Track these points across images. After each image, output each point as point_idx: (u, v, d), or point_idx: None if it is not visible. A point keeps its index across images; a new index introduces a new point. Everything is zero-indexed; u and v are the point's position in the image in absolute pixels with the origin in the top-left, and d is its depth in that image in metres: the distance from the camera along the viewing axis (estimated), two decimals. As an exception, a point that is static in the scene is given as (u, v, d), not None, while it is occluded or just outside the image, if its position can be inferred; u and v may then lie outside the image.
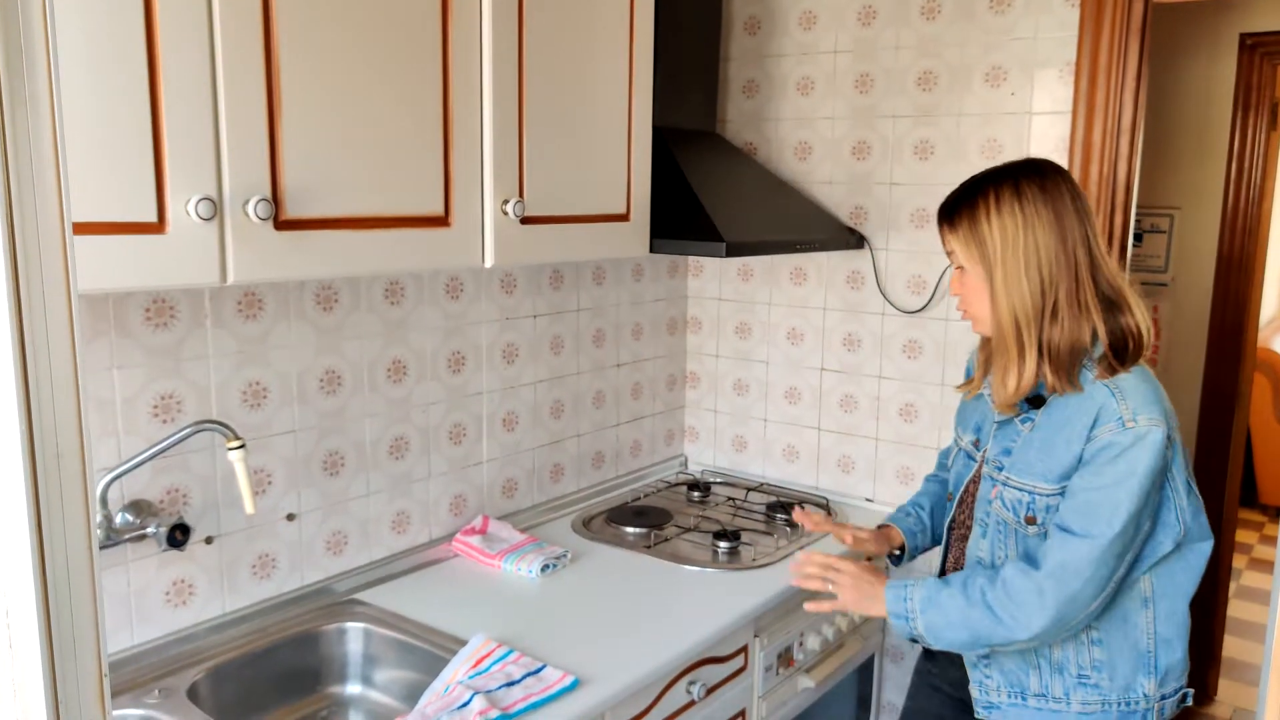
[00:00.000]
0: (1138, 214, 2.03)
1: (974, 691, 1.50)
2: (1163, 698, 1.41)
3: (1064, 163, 1.96)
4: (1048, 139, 1.98)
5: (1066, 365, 1.37)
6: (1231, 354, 3.04)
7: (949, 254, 1.46)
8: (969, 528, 1.53)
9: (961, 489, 1.56)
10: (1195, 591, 1.42)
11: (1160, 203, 3.07)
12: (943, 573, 1.59)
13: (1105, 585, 1.33)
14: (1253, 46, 2.89)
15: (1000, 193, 1.38)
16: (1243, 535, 4.46)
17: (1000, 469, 1.45)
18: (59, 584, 0.49)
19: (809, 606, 1.55)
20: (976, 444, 1.55)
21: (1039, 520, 1.40)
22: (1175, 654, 1.41)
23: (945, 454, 1.76)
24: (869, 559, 1.81)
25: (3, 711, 0.50)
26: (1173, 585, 1.40)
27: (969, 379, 1.62)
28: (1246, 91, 2.91)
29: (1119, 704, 1.40)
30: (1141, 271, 3.11)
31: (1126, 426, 1.32)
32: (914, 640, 1.43)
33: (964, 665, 1.52)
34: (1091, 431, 1.34)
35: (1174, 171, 3.04)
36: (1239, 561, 4.30)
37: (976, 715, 1.50)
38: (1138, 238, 3.10)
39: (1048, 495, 1.39)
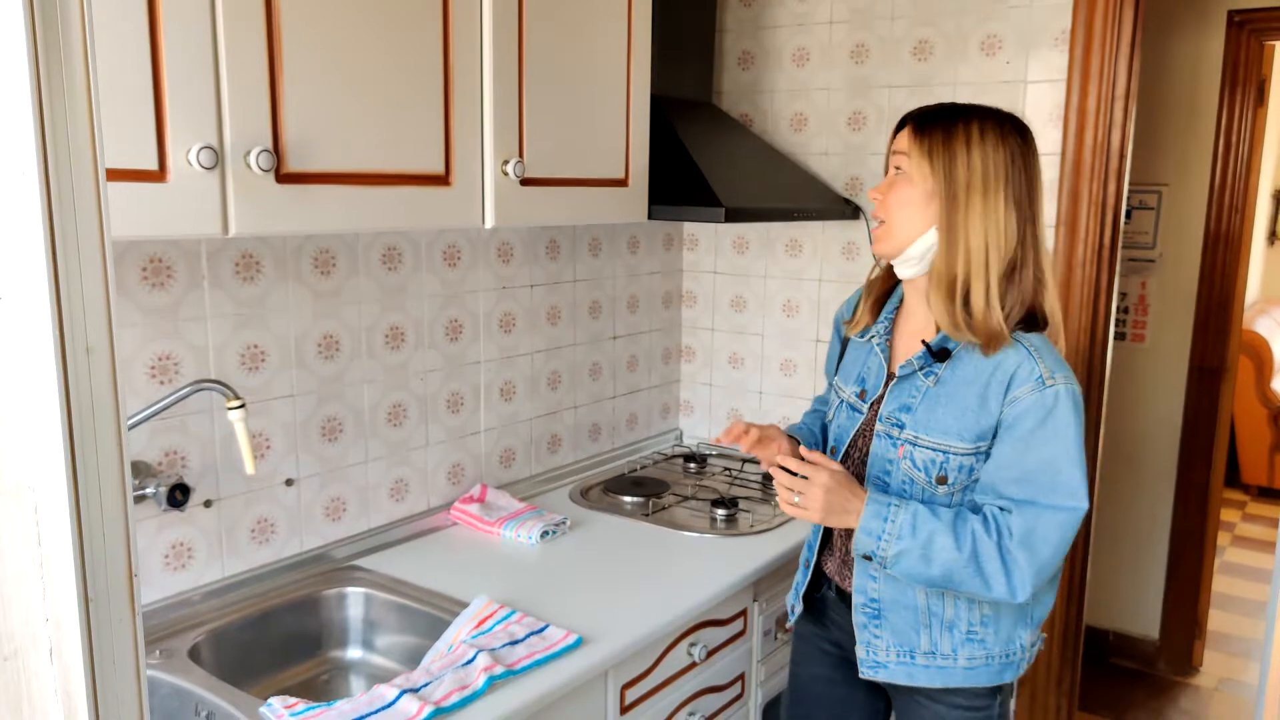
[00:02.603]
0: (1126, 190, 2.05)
1: (860, 652, 1.45)
2: (1033, 645, 1.45)
3: (1059, 131, 1.97)
4: (1042, 107, 1.99)
5: (985, 324, 1.32)
6: (1218, 330, 3.07)
7: (896, 154, 1.38)
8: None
9: (847, 443, 1.48)
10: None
11: (1148, 179, 3.09)
12: (827, 535, 1.53)
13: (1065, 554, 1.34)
14: (1240, 23, 2.91)
15: (985, 127, 1.33)
16: (1226, 514, 4.52)
17: (900, 426, 1.39)
18: (89, 484, 0.49)
19: (781, 503, 1.39)
20: (862, 395, 1.47)
21: (950, 480, 1.36)
22: (1044, 609, 1.45)
23: (822, 401, 1.72)
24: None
25: (34, 608, 0.49)
26: None
27: (850, 319, 1.55)
28: (1234, 68, 2.93)
29: (1000, 656, 1.42)
30: (1129, 248, 3.13)
31: (1046, 384, 1.30)
32: (866, 559, 1.36)
33: (852, 627, 1.46)
34: (1009, 392, 1.31)
35: (1162, 148, 3.06)
36: (1223, 539, 4.35)
37: (861, 675, 1.46)
38: (1126, 214, 3.12)
39: (961, 455, 1.35)
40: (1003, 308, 1.34)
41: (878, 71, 2.17)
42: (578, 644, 1.41)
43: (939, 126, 1.34)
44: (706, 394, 2.53)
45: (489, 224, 1.54)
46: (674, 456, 2.41)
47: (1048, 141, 1.92)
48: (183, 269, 1.45)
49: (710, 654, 1.68)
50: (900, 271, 1.43)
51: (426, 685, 1.27)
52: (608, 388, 2.33)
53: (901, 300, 1.49)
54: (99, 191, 0.50)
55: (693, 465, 2.31)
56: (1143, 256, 3.14)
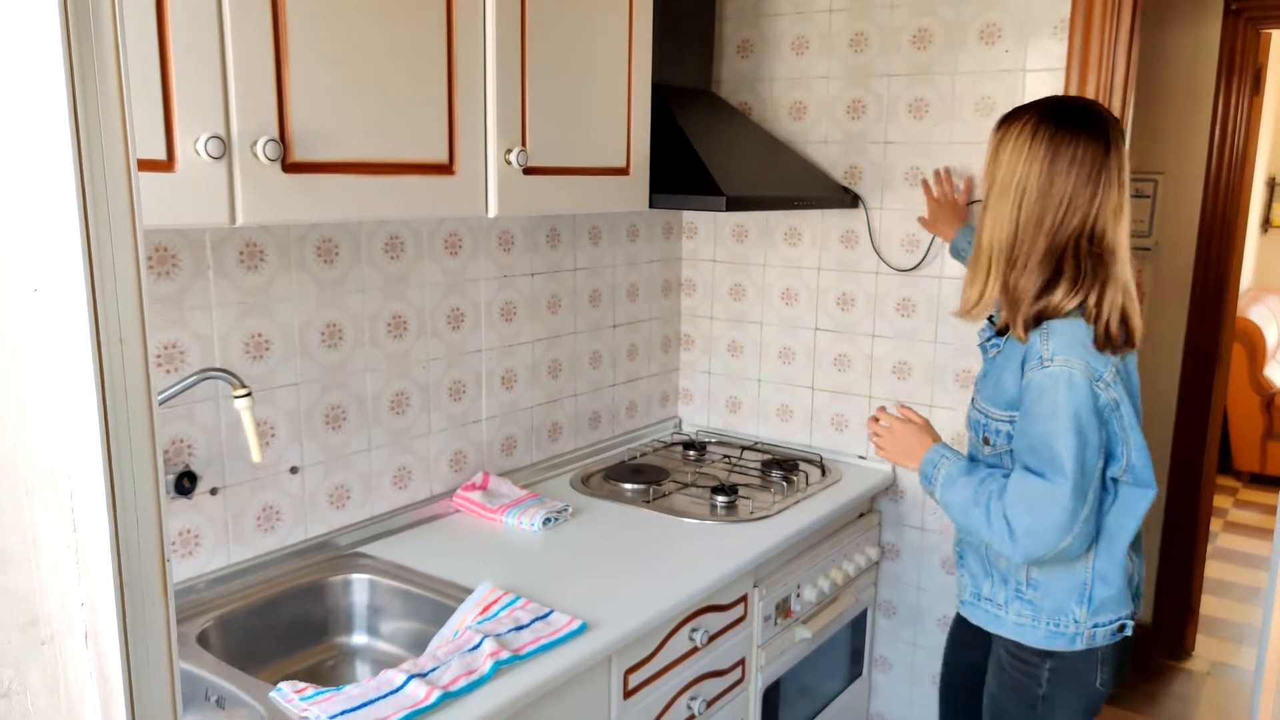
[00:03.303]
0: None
1: (957, 583, 1.67)
2: (1095, 625, 1.49)
3: (1057, 120, 1.98)
4: (1041, 96, 1.99)
5: (1016, 310, 1.46)
6: (1213, 317, 3.09)
7: None
8: None
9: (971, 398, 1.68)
10: (1135, 535, 1.49)
11: (1145, 168, 3.10)
12: None
13: (1071, 525, 1.40)
14: (1237, 12, 2.92)
15: (1026, 123, 1.45)
16: (1218, 500, 4.56)
17: (979, 390, 1.59)
18: (123, 471, 0.50)
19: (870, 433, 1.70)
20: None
21: (992, 442, 1.53)
22: (1110, 590, 1.49)
23: None
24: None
25: (69, 593, 0.50)
26: (1116, 526, 1.48)
27: None
28: (1231, 57, 2.94)
29: (1049, 623, 1.50)
30: (1126, 236, 3.15)
31: (1044, 365, 1.41)
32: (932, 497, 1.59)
33: None
34: (1024, 368, 1.45)
35: (1158, 137, 3.07)
36: (1215, 525, 4.39)
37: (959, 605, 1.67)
38: (1123, 203, 3.13)
39: (998, 420, 1.51)
40: (1017, 293, 1.46)
41: (877, 60, 2.17)
42: (581, 629, 1.43)
43: (1002, 123, 1.50)
44: (705, 382, 2.55)
45: (492, 213, 1.55)
46: (673, 444, 2.42)
47: (1046, 130, 1.92)
48: (188, 258, 1.46)
49: (711, 639, 1.70)
50: None
51: (434, 670, 1.28)
52: (608, 376, 2.34)
53: None
54: (131, 185, 0.50)
55: (692, 453, 2.33)
56: (1139, 244, 3.16)
